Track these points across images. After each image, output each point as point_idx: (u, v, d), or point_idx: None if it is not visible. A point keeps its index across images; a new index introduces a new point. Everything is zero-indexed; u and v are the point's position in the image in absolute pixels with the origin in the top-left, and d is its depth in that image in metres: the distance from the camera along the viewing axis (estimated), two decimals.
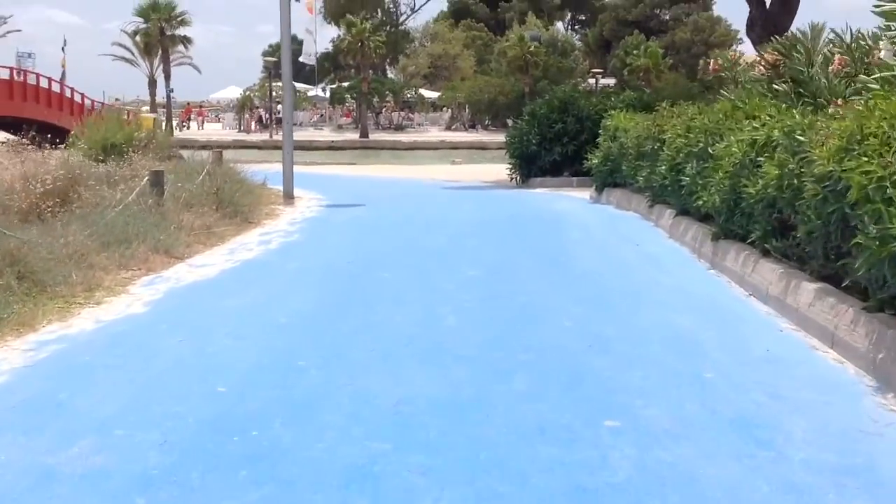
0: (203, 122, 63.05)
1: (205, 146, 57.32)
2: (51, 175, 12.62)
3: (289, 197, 17.28)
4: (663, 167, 11.43)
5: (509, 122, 69.46)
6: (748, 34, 21.63)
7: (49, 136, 36.70)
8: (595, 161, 15.76)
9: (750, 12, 21.75)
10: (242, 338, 6.57)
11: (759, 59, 12.34)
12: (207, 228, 12.22)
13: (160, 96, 66.75)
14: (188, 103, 66.85)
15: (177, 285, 8.71)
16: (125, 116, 57.36)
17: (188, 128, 63.44)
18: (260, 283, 8.77)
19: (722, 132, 9.25)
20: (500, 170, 29.05)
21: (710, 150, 9.25)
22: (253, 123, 62.07)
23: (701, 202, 9.25)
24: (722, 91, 11.62)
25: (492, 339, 6.43)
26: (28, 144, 19.20)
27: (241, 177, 17.20)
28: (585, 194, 17.52)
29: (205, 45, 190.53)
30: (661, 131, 12.09)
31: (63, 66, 68.88)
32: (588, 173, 18.79)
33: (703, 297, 7.92)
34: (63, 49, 68.82)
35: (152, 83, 64.45)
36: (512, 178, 20.50)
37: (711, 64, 13.74)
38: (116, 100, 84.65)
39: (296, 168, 30.10)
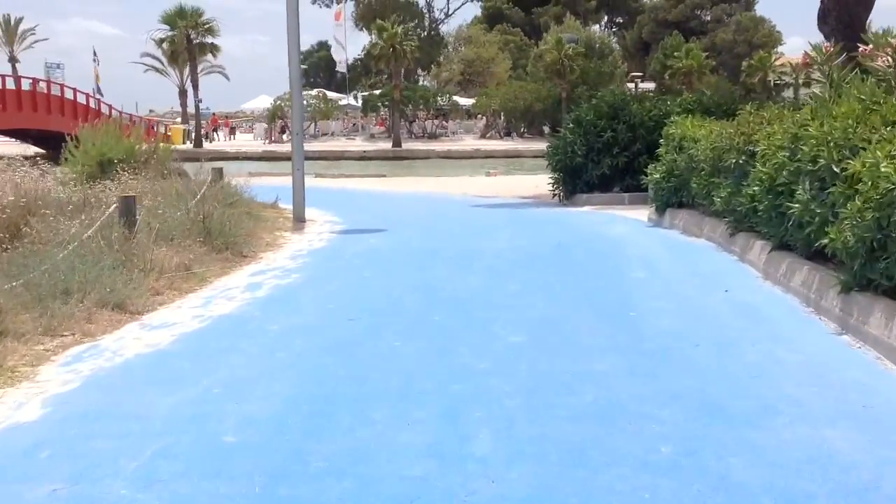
0: (233, 133, 61.02)
1: (234, 158, 55.43)
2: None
3: (299, 220, 14.89)
4: (755, 188, 8.87)
5: (545, 129, 66.92)
6: (820, 27, 18.88)
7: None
8: (655, 176, 13.18)
9: (822, 3, 19.00)
10: (155, 481, 4.12)
11: (866, 50, 9.76)
12: (186, 268, 9.83)
13: (191, 106, 64.95)
14: (213, 114, 64.86)
15: (108, 364, 6.29)
16: (156, 128, 55.46)
17: (214, 139, 61.37)
18: (224, 360, 6.32)
19: (854, 144, 6.68)
20: (539, 182, 26.50)
21: (838, 169, 6.68)
22: (273, 133, 59.86)
23: (827, 240, 6.67)
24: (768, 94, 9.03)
25: (544, 486, 3.94)
26: (27, 158, 17.04)
27: (243, 197, 14.87)
28: (640, 214, 14.98)
29: (241, 54, 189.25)
30: (749, 141, 9.53)
31: (97, 77, 67.33)
32: (643, 189, 16.24)
33: (853, 388, 5.36)
34: (95, 60, 66.94)
35: (182, 93, 62.64)
36: (554, 195, 17.95)
37: (801, 58, 11.15)
38: (151, 111, 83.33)
39: (319, 182, 27.90)
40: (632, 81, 65.25)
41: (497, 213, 16.12)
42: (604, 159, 17.08)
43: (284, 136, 60.28)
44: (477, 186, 24.78)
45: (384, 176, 34.45)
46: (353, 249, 11.83)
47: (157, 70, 64.12)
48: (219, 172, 15.12)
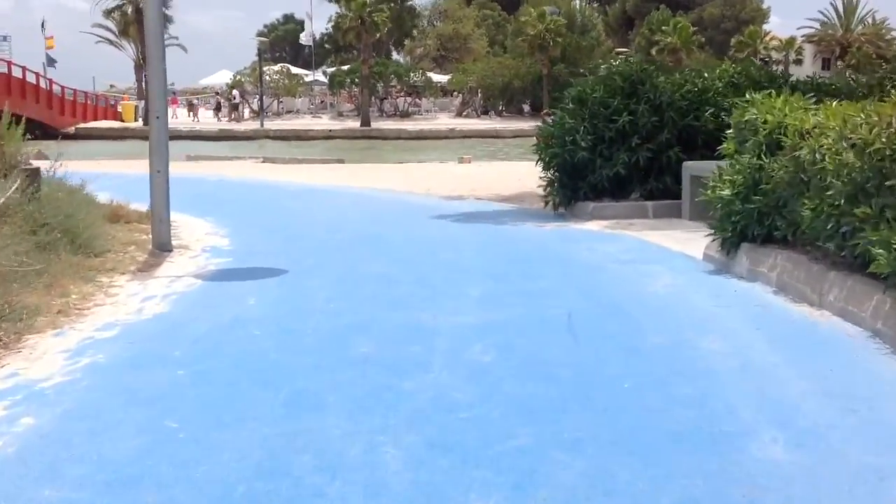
0: (193, 111, 55.08)
1: (187, 137, 49.66)
2: None
3: (161, 249, 9.48)
4: None
5: (525, 107, 61.54)
6: None
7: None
8: (724, 192, 7.69)
9: None
10: None
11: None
12: None
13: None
14: (174, 92, 58.95)
15: None
16: (105, 105, 49.56)
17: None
18: None
19: None
20: (523, 173, 21.04)
21: None
22: (232, 111, 54.04)
23: None
24: None
25: None
26: None
27: (69, 211, 9.44)
28: (679, 239, 9.71)
29: (212, 29, 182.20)
30: None
31: (50, 47, 61.21)
32: (672, 195, 11.05)
33: None
34: (43, 30, 60.81)
35: (139, 67, 56.54)
36: (548, 202, 12.50)
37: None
38: (112, 86, 76.96)
39: (257, 171, 22.42)
40: (617, 58, 59.85)
41: (465, 237, 10.60)
42: (618, 154, 11.71)
43: (228, 114, 54.62)
44: (446, 179, 19.34)
45: (342, 162, 28.92)
46: (209, 322, 6.41)
47: (110, 42, 58.27)
48: (33, 173, 9.61)
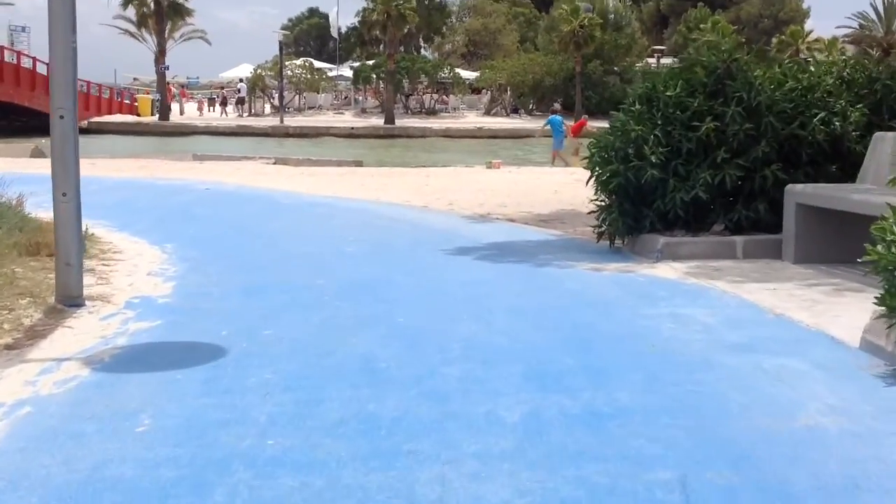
0: (216, 105, 52.28)
1: (203, 133, 46.98)
2: None
3: (68, 303, 6.59)
4: None
5: (556, 106, 58.26)
6: None
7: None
8: None
9: None
10: None
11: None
12: None
13: (179, 74, 56.64)
14: (169, 83, 56.32)
15: None
16: (122, 98, 46.95)
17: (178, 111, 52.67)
18: None
19: None
20: (558, 183, 18.11)
21: None
22: (228, 106, 51.25)
23: None
24: None
25: None
26: None
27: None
28: (791, 293, 6.79)
29: (248, 25, 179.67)
30: None
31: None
32: (769, 228, 8.11)
33: None
34: None
35: (158, 60, 54.03)
36: (601, 234, 9.40)
37: None
38: (135, 79, 74.41)
39: (261, 179, 19.39)
40: (652, 56, 56.60)
41: (495, 289, 7.47)
42: (697, 172, 8.70)
43: (229, 109, 51.81)
44: (472, 191, 16.39)
45: (360, 164, 26.04)
46: None
47: (131, 35, 55.71)
48: None
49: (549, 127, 27.18)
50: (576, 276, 7.91)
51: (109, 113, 48.40)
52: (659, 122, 8.73)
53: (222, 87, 57.52)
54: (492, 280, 7.72)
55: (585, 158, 9.59)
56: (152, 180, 17.22)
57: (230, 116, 50.48)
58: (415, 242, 10.04)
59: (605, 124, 34.52)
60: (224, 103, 52.86)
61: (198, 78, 78.65)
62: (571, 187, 17.45)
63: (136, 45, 52.46)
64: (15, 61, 41.73)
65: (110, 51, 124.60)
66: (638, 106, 8.91)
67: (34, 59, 44.67)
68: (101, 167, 21.24)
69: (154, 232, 10.48)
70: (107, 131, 45.04)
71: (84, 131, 44.55)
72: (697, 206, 8.77)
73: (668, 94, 8.81)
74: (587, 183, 9.53)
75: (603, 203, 9.27)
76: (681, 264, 8.24)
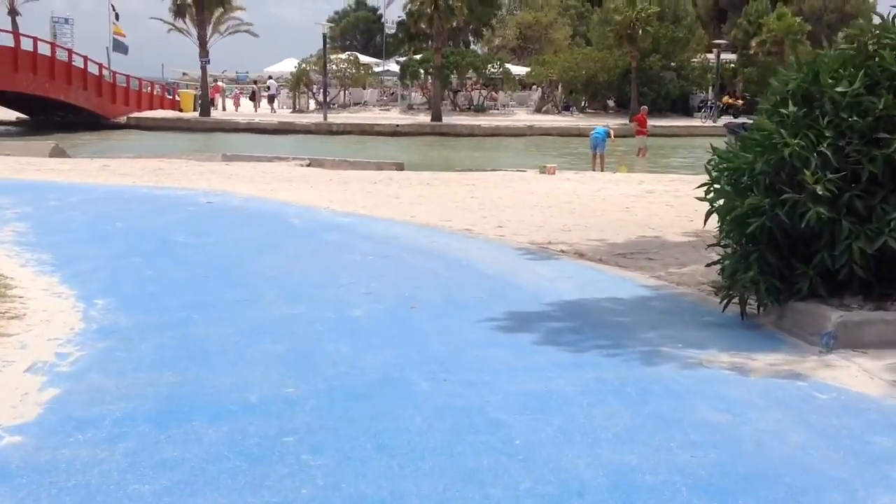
0: (236, 102, 49.48)
1: (245, 130, 44.19)
2: None
3: None
4: None
5: (610, 103, 54.82)
6: None
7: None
8: None
9: None
10: None
11: None
12: None
13: (214, 69, 54.08)
14: (215, 80, 53.55)
15: None
16: (163, 94, 44.43)
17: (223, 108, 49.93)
18: None
19: None
20: (629, 195, 14.90)
21: None
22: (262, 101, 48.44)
23: None
24: None
25: None
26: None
27: None
28: None
29: (299, 19, 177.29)
30: None
31: (118, 34, 56.35)
32: None
33: None
34: (112, 14, 55.77)
35: (204, 54, 51.39)
36: (728, 297, 6.13)
37: None
38: (184, 74, 72.09)
39: (285, 188, 15.96)
40: (711, 51, 52.87)
41: (573, 417, 4.25)
42: (885, 208, 5.47)
43: (263, 104, 49.02)
44: (526, 208, 13.24)
45: (400, 168, 22.97)
46: None
47: (176, 28, 53.19)
48: None
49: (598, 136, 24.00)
50: (711, 390, 4.71)
51: (151, 108, 45.87)
52: (826, 134, 5.49)
53: (255, 83, 54.88)
54: (570, 399, 4.55)
55: (705, 187, 6.34)
56: (151, 189, 14.30)
57: (259, 112, 47.74)
58: (450, 299, 6.89)
59: (662, 122, 30.88)
60: (253, 98, 50.19)
61: (247, 73, 76.09)
62: (644, 202, 14.23)
63: (185, 39, 49.99)
64: (50, 54, 39.20)
65: (161, 46, 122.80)
66: (791, 108, 5.65)
67: (70, 51, 42.23)
68: (110, 171, 18.46)
69: (98, 276, 7.49)
70: (146, 127, 42.51)
71: (123, 127, 42.38)
72: (884, 261, 5.53)
73: (838, 89, 5.56)
74: (705, 221, 6.31)
75: (730, 251, 6.05)
76: (872, 360, 5.03)
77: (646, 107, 29.26)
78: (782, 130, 5.50)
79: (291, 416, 4.25)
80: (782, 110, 5.66)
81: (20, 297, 6.52)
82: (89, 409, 4.33)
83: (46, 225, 10.32)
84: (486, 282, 7.61)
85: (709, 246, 6.51)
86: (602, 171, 22.72)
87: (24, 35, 39.50)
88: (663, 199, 14.55)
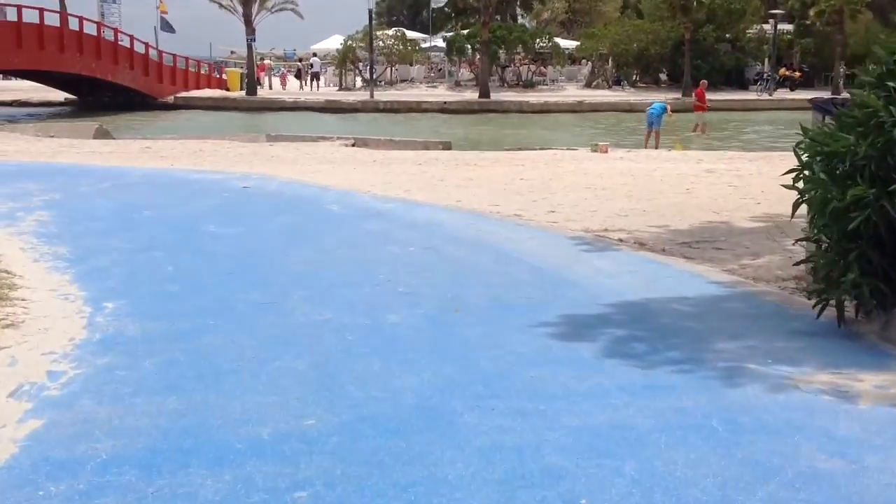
0: (309, 80, 48.82)
1: (291, 108, 43.62)
2: None
3: None
4: None
5: (662, 76, 53.28)
6: None
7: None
8: None
9: None
10: None
11: None
12: None
13: (262, 46, 53.59)
14: (262, 58, 52.87)
15: None
16: (209, 73, 44.01)
17: (268, 86, 49.32)
18: None
19: None
20: (686, 175, 13.98)
21: None
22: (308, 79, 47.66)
23: None
24: None
25: None
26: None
27: None
28: None
29: None
30: None
31: (164, 12, 56.06)
32: None
33: None
34: None
35: (250, 31, 50.82)
36: (824, 302, 5.28)
37: None
38: (232, 52, 71.86)
39: (326, 168, 15.14)
40: (767, 21, 51.07)
41: (652, 459, 3.60)
42: None
43: (303, 83, 48.29)
44: (579, 189, 12.42)
45: (448, 147, 22.17)
46: None
47: (222, 6, 52.68)
48: None
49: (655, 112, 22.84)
50: (814, 424, 3.88)
51: (198, 87, 45.44)
52: None
53: (300, 60, 54.30)
54: (643, 437, 3.75)
55: (794, 172, 5.46)
56: (188, 173, 13.67)
57: (303, 90, 47.11)
58: (499, 300, 6.11)
59: (717, 96, 29.49)
60: (298, 76, 49.59)
61: (294, 51, 75.60)
62: (705, 183, 13.27)
63: (233, 18, 49.48)
64: (96, 33, 38.86)
65: (210, 25, 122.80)
66: None
67: (116, 30, 41.90)
68: (150, 153, 17.93)
69: (114, 273, 6.83)
70: (193, 107, 42.10)
71: (171, 107, 41.99)
72: None
73: None
74: (793, 212, 5.44)
75: (824, 248, 5.18)
76: None
77: (705, 81, 27.96)
78: (892, 108, 4.60)
79: (308, 461, 3.51)
80: (890, 83, 4.75)
81: (23, 301, 5.87)
82: (72, 448, 3.64)
83: (72, 213, 9.71)
84: (538, 278, 6.81)
85: (797, 241, 5.64)
86: (657, 148, 21.71)
87: (70, 14, 39.13)
88: (725, 180, 13.59)
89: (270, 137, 24.44)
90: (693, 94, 28.01)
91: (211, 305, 5.88)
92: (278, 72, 53.31)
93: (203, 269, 7.03)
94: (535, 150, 21.16)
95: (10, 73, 44.34)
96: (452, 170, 15.15)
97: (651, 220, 9.79)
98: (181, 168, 14.43)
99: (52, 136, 23.94)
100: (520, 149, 21.94)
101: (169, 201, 10.71)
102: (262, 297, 6.10)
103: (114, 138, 24.22)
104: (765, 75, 48.67)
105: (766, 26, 51.02)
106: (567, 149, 21.20)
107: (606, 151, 19.50)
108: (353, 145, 22.65)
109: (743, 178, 13.75)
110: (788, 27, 53.07)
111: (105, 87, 40.24)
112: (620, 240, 8.59)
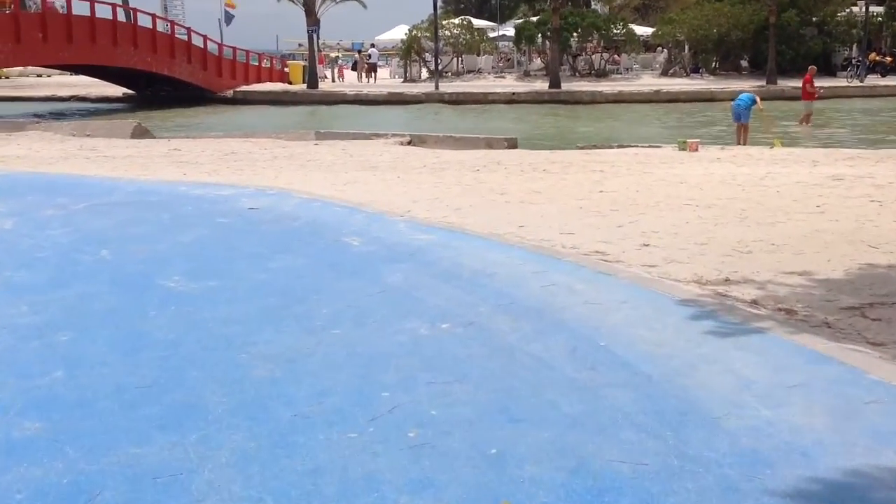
0: (340, 73, 46.31)
1: (353, 102, 41.00)
2: None
3: None
4: None
5: (743, 63, 49.41)
6: None
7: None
8: None
9: None
10: None
11: None
12: None
13: (328, 37, 51.20)
14: (321, 50, 50.43)
15: None
16: (270, 65, 41.78)
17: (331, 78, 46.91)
18: None
19: None
20: (813, 189, 10.88)
21: None
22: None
23: None
24: None
25: None
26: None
27: None
28: None
29: None
30: None
31: (229, 6, 54.24)
32: None
33: None
34: None
35: (311, 22, 48.50)
36: None
37: None
38: (300, 45, 69.76)
39: (387, 167, 11.46)
40: (857, 3, 46.90)
41: None
42: None
43: (360, 75, 45.70)
44: (676, 207, 9.49)
45: (513, 146, 19.28)
46: None
47: None
48: None
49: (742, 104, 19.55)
50: None
51: (259, 81, 43.24)
52: None
53: (359, 53, 51.84)
54: None
55: None
56: (192, 188, 11.08)
57: (363, 83, 44.63)
58: (585, 469, 3.28)
59: (799, 84, 25.59)
60: (354, 68, 47.16)
61: (361, 43, 73.39)
62: (837, 196, 10.17)
63: (299, 11, 47.20)
64: (151, 26, 36.80)
65: (275, 18, 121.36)
66: None
67: (172, 22, 39.84)
68: (172, 158, 15.48)
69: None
70: (253, 101, 39.91)
71: (229, 102, 39.75)
72: None
73: None
74: None
75: None
76: None
77: (813, 67, 24.53)
78: None
79: None
80: None
81: None
82: None
83: (3, 255, 7.15)
84: (645, 401, 3.97)
85: None
86: (745, 144, 18.56)
87: (122, 7, 37.15)
88: (861, 191, 10.51)
89: (319, 135, 21.88)
90: (801, 82, 24.45)
91: (58, 482, 3.18)
92: (347, 63, 51.04)
93: (108, 375, 4.35)
94: (613, 147, 18.19)
95: (66, 69, 42.65)
96: (516, 177, 12.32)
97: (785, 261, 6.86)
98: (189, 181, 11.85)
99: (89, 135, 21.79)
100: (594, 146, 18.97)
101: (143, 232, 8.09)
102: (162, 461, 3.39)
103: (153, 137, 21.94)
104: (854, 61, 44.66)
105: (856, 9, 46.87)
106: (649, 146, 18.17)
107: (697, 149, 16.44)
108: (410, 143, 19.97)
109: (883, 189, 10.65)
110: (879, 9, 48.78)
111: (163, 81, 38.26)
112: (755, 302, 5.70)
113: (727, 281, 6.31)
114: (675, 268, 6.69)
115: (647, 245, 7.54)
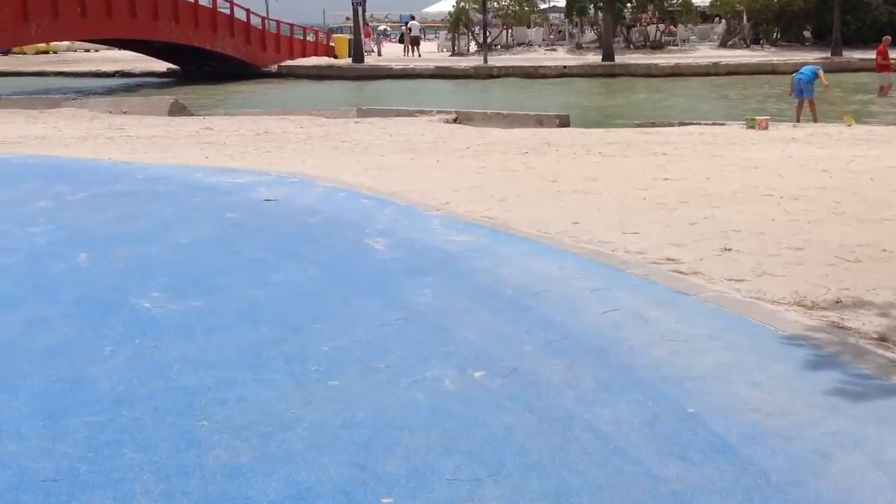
0: (412, 46, 44.92)
1: (399, 76, 39.65)
2: None
3: None
4: None
5: (806, 34, 47.05)
6: None
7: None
8: None
9: None
10: None
11: None
12: None
13: (376, 8, 49.95)
14: (366, 24, 48.96)
15: None
16: (314, 39, 40.50)
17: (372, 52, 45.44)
18: None
19: None
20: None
21: None
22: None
23: None
24: None
25: None
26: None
27: None
28: None
29: None
30: None
31: None
32: None
33: None
34: None
35: None
36: None
37: None
38: (347, 18, 68.50)
39: (428, 149, 10.19)
40: None
41: None
42: None
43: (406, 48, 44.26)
44: (756, 198, 8.06)
45: (565, 123, 17.82)
46: None
47: None
48: None
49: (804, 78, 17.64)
50: None
51: (304, 55, 42.08)
52: None
53: (405, 25, 50.36)
54: None
55: None
56: (207, 175, 9.89)
57: (409, 56, 43.19)
58: None
59: (869, 55, 23.36)
60: (402, 41, 45.79)
61: (410, 16, 71.86)
62: None
63: None
64: (192, 0, 35.78)
65: None
66: None
67: None
68: (199, 137, 14.38)
69: None
70: (297, 75, 38.81)
71: (274, 76, 38.61)
72: None
73: None
74: None
75: None
76: None
77: (888, 37, 22.58)
78: None
79: None
80: None
81: None
82: None
83: None
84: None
85: None
86: (815, 121, 16.84)
87: None
88: None
89: (361, 112, 20.65)
90: (876, 53, 22.45)
91: None
92: (395, 36, 49.75)
93: None
94: (674, 125, 16.69)
95: (111, 44, 41.86)
96: (569, 162, 10.95)
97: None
98: (208, 166, 10.67)
99: (125, 112, 20.84)
100: (653, 124, 17.48)
101: (137, 230, 6.91)
102: None
103: (190, 114, 20.91)
104: None
105: None
106: (713, 123, 16.65)
107: (766, 128, 14.93)
108: (455, 121, 18.66)
109: None
110: None
111: (206, 56, 37.28)
112: (884, 339, 4.33)
113: (839, 303, 4.95)
114: (769, 283, 5.33)
115: (728, 250, 6.19)
